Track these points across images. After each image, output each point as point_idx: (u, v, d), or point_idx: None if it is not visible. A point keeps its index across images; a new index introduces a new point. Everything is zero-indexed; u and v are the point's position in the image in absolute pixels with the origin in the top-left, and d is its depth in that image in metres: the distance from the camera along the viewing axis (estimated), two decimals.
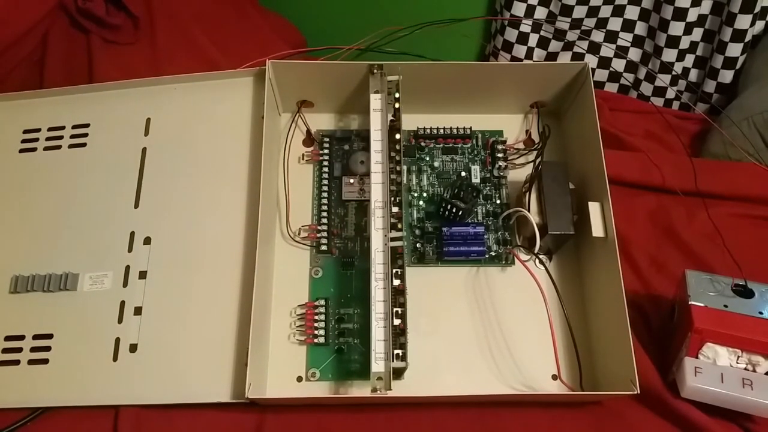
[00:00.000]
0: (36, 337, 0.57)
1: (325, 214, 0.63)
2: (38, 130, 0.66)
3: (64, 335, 0.57)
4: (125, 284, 0.59)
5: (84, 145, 0.65)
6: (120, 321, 0.58)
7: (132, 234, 0.61)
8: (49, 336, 0.57)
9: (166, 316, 0.58)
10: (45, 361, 0.56)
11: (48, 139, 0.66)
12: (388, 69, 0.61)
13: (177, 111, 0.66)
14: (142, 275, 0.59)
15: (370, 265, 0.54)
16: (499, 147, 0.67)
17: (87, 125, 0.66)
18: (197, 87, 0.66)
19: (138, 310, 0.58)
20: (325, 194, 0.64)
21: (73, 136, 0.66)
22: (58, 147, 0.65)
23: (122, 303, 0.58)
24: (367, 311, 0.52)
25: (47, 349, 0.57)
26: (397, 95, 0.60)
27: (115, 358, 0.56)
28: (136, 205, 0.62)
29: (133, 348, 0.57)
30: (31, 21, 0.70)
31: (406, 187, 0.65)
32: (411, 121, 0.67)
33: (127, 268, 0.59)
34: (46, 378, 0.56)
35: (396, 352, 0.51)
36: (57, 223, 0.62)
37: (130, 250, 0.60)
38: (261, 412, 0.55)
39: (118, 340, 0.57)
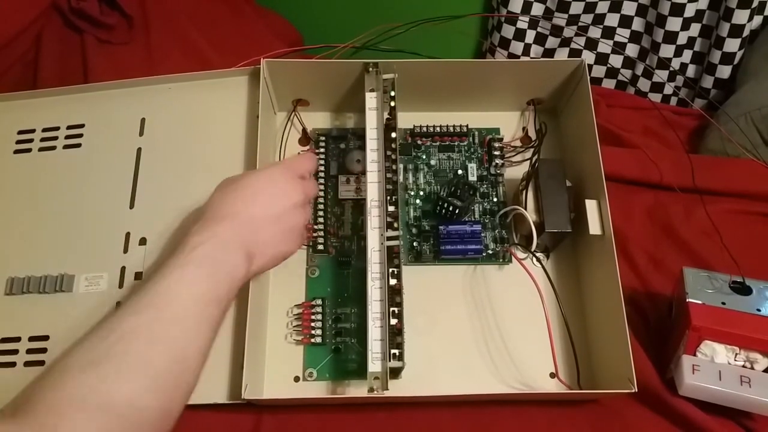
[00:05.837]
0: (32, 338, 0.57)
1: (321, 213, 0.63)
2: (33, 131, 0.66)
3: (60, 337, 0.56)
4: (121, 285, 0.58)
5: (79, 146, 0.65)
6: None
7: (127, 235, 0.60)
8: (45, 338, 0.57)
9: None
10: (41, 363, 0.56)
11: (43, 140, 0.65)
12: (383, 67, 0.61)
13: (172, 111, 0.65)
14: (138, 276, 0.59)
15: (366, 264, 0.53)
16: (496, 145, 0.66)
17: (82, 126, 0.66)
18: (192, 86, 0.66)
19: None
20: (321, 193, 0.64)
21: (67, 137, 0.65)
22: (53, 148, 0.65)
23: (118, 304, 0.58)
24: (365, 311, 0.52)
25: (43, 350, 0.56)
26: (392, 93, 0.60)
27: None
28: (131, 206, 0.62)
29: None
30: (23, 21, 0.70)
31: (402, 185, 0.65)
32: (407, 119, 0.66)
33: (123, 269, 0.59)
34: None
35: (393, 351, 0.51)
36: (52, 224, 0.61)
37: (125, 251, 0.60)
38: (258, 413, 0.55)
39: None
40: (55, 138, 0.65)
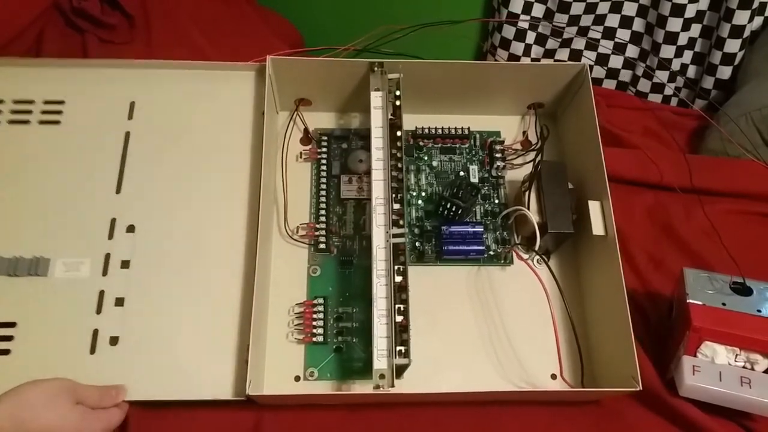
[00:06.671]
0: None
1: (323, 212, 0.63)
2: (1, 102, 0.62)
3: (29, 324, 0.54)
4: (105, 273, 0.56)
5: (57, 122, 0.62)
6: (99, 311, 0.55)
7: (113, 221, 0.58)
8: (12, 324, 0.54)
9: (152, 309, 0.55)
10: (6, 352, 0.53)
11: (14, 112, 0.62)
12: (388, 67, 0.61)
13: (165, 98, 0.63)
14: (125, 264, 0.57)
15: (371, 262, 0.53)
16: (497, 147, 0.67)
17: (61, 102, 0.62)
18: (187, 75, 0.64)
19: (120, 301, 0.55)
20: (323, 193, 0.64)
21: (44, 112, 0.62)
22: (26, 122, 0.62)
23: (101, 292, 0.55)
24: (366, 310, 0.52)
25: (9, 338, 0.53)
26: (397, 93, 0.60)
27: (92, 351, 0.54)
28: (118, 191, 0.59)
29: (113, 341, 0.54)
30: (25, 21, 0.69)
31: (405, 185, 0.65)
32: (409, 121, 0.66)
33: (108, 256, 0.57)
34: (8, 370, 0.52)
35: (398, 348, 0.51)
36: (26, 202, 0.58)
37: (110, 237, 0.58)
38: (258, 412, 0.55)
39: (96, 332, 0.54)
40: (29, 112, 0.62)
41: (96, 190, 0.59)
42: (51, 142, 0.61)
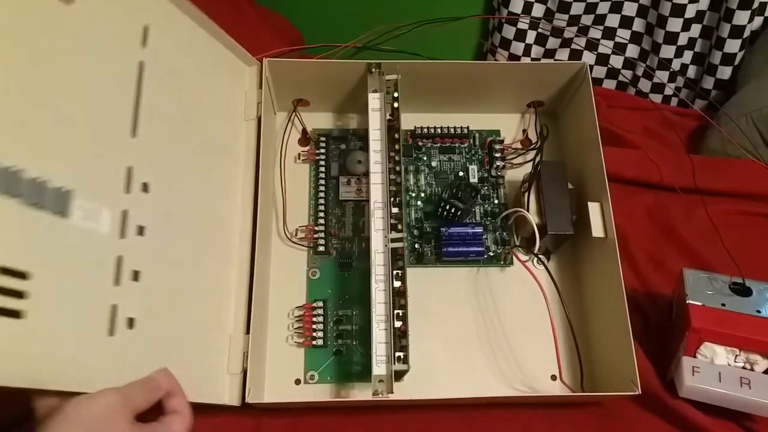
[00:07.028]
0: (4, 271, 0.33)
1: (322, 214, 0.63)
2: None
3: (46, 280, 0.35)
4: (123, 235, 0.42)
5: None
6: (117, 282, 0.41)
7: (129, 170, 0.44)
8: (23, 275, 0.34)
9: (163, 295, 0.46)
10: (14, 314, 0.33)
11: None
12: (386, 68, 0.60)
13: (179, 45, 0.52)
14: (140, 231, 0.44)
15: (370, 266, 0.53)
16: (497, 147, 0.66)
17: None
18: (203, 35, 0.57)
19: (136, 275, 0.43)
20: (321, 194, 0.64)
21: None
22: None
23: (119, 259, 0.42)
24: (366, 313, 0.52)
25: (19, 294, 0.33)
26: (395, 94, 0.60)
27: (111, 333, 0.40)
28: (134, 134, 0.45)
29: (130, 323, 0.42)
30: None
31: (403, 187, 0.65)
32: (408, 121, 0.66)
33: (125, 213, 0.43)
34: (17, 341, 0.33)
35: (397, 354, 0.51)
36: (28, 91, 0.36)
37: (127, 190, 0.43)
38: (258, 416, 0.54)
39: (115, 308, 0.41)
40: None
41: (111, 122, 0.43)
42: (58, 19, 0.39)
